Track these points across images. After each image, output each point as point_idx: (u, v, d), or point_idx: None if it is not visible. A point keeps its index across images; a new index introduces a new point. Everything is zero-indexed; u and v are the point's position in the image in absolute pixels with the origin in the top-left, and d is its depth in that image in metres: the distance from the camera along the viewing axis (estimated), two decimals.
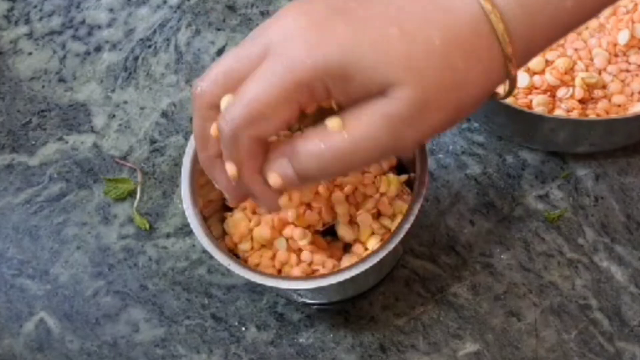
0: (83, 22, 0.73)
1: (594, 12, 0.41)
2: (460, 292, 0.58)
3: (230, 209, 0.56)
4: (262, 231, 0.55)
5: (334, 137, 0.38)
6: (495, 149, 0.63)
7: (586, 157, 0.62)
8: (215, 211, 0.57)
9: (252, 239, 0.55)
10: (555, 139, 0.59)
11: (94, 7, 0.74)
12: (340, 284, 0.49)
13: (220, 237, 0.56)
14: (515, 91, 0.60)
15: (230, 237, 0.56)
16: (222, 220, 0.57)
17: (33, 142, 0.67)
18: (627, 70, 0.61)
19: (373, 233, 0.55)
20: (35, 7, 0.75)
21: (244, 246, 0.55)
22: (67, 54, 0.72)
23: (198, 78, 0.42)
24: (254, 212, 0.56)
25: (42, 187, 0.65)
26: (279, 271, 0.54)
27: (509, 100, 0.59)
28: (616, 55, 0.61)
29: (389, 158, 0.56)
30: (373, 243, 0.54)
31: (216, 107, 0.41)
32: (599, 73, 0.60)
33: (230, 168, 0.41)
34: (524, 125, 0.59)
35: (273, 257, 0.55)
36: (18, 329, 0.60)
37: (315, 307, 0.59)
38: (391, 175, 0.56)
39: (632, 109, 0.59)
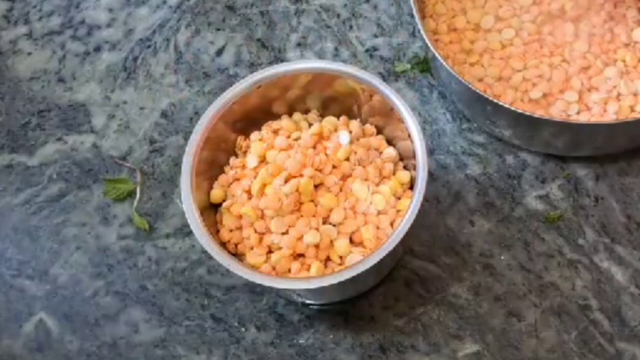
0: (82, 22, 0.73)
1: None
2: (460, 292, 0.58)
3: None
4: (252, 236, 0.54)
5: None
6: (495, 149, 0.63)
7: (586, 157, 0.62)
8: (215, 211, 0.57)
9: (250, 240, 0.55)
10: (556, 142, 0.59)
11: (93, 7, 0.74)
12: (340, 284, 0.49)
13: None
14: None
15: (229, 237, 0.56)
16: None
17: (32, 142, 0.67)
18: None
19: (372, 233, 0.55)
20: (34, 7, 0.74)
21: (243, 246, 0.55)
22: (66, 54, 0.72)
23: None
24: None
25: (42, 187, 0.65)
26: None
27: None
28: None
29: None
30: (372, 244, 0.54)
31: None
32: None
33: None
34: (525, 128, 0.59)
35: (268, 258, 0.54)
36: (17, 329, 0.60)
37: (315, 307, 0.59)
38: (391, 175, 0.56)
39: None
